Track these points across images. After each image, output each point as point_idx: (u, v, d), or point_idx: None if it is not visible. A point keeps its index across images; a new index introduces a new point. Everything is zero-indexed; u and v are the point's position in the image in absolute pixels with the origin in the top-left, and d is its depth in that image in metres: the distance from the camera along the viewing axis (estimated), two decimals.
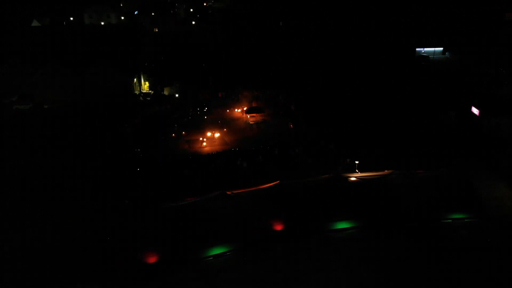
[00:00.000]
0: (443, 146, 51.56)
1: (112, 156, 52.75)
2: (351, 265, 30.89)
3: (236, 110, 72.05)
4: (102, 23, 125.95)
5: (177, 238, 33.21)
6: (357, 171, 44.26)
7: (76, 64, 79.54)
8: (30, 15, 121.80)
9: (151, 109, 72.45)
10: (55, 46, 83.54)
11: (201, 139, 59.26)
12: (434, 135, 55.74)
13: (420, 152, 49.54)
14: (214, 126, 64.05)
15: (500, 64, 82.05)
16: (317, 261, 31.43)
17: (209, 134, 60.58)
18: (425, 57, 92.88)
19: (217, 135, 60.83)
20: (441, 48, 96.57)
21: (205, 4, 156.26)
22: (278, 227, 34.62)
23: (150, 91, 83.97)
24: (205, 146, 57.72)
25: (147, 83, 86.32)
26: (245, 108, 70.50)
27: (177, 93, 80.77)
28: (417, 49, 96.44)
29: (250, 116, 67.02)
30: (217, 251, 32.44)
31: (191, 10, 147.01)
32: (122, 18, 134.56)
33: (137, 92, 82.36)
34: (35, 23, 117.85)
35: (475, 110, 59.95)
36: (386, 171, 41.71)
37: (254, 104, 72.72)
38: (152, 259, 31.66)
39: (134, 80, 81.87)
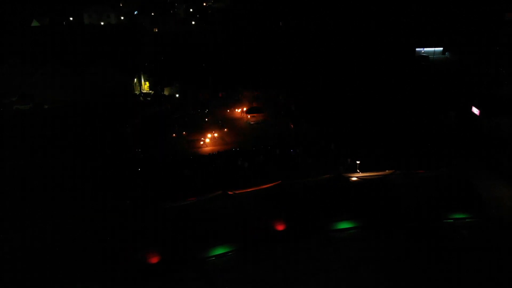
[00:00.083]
0: (443, 146, 51.60)
1: (112, 156, 52.71)
2: (352, 265, 30.84)
3: (236, 110, 72.03)
4: (102, 23, 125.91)
5: (179, 238, 33.13)
6: (358, 171, 44.24)
7: (76, 64, 79.54)
8: (30, 15, 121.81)
9: (151, 109, 72.41)
10: (55, 46, 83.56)
11: (201, 139, 59.23)
12: (434, 135, 55.76)
13: (420, 152, 49.58)
14: (215, 126, 64.04)
15: (500, 64, 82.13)
16: (319, 261, 31.38)
17: (209, 134, 60.56)
18: (425, 57, 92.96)
19: (217, 135, 60.81)
20: (441, 48, 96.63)
21: (204, 4, 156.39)
22: (280, 227, 34.55)
23: (150, 91, 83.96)
24: (206, 146, 57.70)
25: (147, 83, 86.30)
26: (245, 108, 70.48)
27: (177, 93, 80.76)
28: (417, 49, 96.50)
29: (251, 116, 67.01)
30: (218, 251, 32.38)
31: (191, 10, 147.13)
32: (122, 18, 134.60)
33: (137, 92, 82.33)
34: (35, 23, 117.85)
35: (475, 110, 59.97)
36: (387, 171, 41.69)
37: (254, 104, 72.71)
38: (153, 259, 31.59)
39: (134, 80, 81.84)
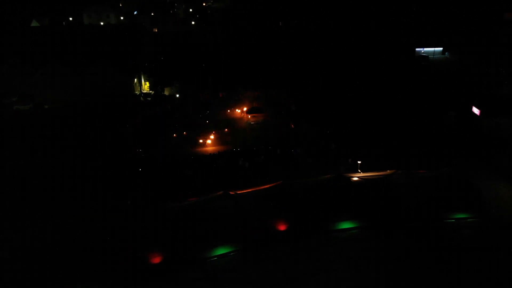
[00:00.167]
0: (443, 146, 51.58)
1: (112, 156, 52.66)
2: (354, 266, 30.85)
3: (236, 110, 72.00)
4: (102, 23, 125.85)
5: (181, 238, 33.16)
6: (359, 171, 44.21)
7: (76, 64, 79.49)
8: (30, 15, 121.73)
9: (151, 109, 72.35)
10: (55, 46, 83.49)
11: (202, 139, 59.19)
12: (434, 135, 55.74)
13: (421, 152, 49.55)
14: (215, 126, 63.98)
15: (500, 64, 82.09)
16: (320, 261, 31.41)
17: (210, 134, 60.52)
18: (425, 57, 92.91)
19: (217, 135, 60.76)
20: (441, 48, 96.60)
21: (204, 4, 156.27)
22: (282, 227, 34.57)
23: (150, 91, 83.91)
24: (206, 146, 57.65)
25: (147, 83, 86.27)
26: (245, 108, 70.45)
27: (177, 93, 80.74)
28: (417, 49, 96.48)
29: (251, 116, 66.97)
30: (221, 251, 32.43)
31: (191, 10, 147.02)
32: (122, 18, 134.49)
33: (137, 92, 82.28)
34: (34, 23, 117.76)
35: (475, 110, 59.98)
36: (388, 171, 41.68)
37: (255, 104, 72.66)
38: (155, 259, 31.61)
39: (134, 80, 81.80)
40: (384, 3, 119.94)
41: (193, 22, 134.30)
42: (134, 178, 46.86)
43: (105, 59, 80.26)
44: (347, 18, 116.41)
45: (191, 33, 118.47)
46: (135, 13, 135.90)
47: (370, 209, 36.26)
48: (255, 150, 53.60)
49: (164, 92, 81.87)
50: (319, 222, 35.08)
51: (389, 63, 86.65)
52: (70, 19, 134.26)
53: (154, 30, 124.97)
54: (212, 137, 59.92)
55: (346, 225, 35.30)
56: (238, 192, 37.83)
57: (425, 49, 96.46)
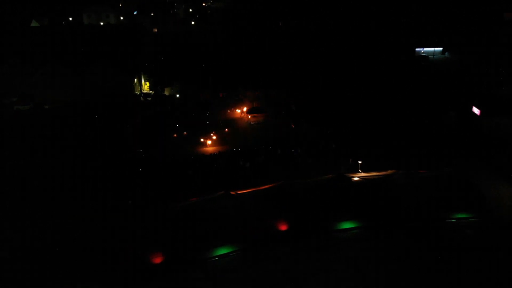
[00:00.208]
0: (443, 146, 51.60)
1: (112, 156, 52.65)
2: (355, 266, 30.83)
3: (237, 110, 71.99)
4: (102, 23, 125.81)
5: (182, 238, 33.14)
6: (360, 171, 44.21)
7: (76, 64, 79.50)
8: (30, 15, 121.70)
9: (151, 110, 72.35)
10: (54, 46, 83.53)
11: (202, 139, 59.17)
12: (435, 135, 55.76)
13: (421, 152, 49.58)
14: (215, 126, 63.96)
15: (500, 64, 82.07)
16: (321, 261, 31.39)
17: (210, 134, 60.49)
18: (425, 57, 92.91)
19: (218, 135, 60.73)
20: (441, 48, 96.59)
21: (204, 4, 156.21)
22: (282, 227, 34.54)
23: (150, 91, 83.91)
24: (207, 146, 57.64)
25: (147, 83, 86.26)
26: (246, 108, 70.44)
27: (177, 93, 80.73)
28: (417, 49, 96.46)
29: (251, 116, 66.97)
30: (222, 251, 32.41)
31: (190, 10, 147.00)
32: (122, 18, 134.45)
33: (137, 92, 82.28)
34: (34, 23, 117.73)
35: (475, 110, 59.99)
36: (388, 171, 41.66)
37: (255, 104, 72.66)
38: (156, 259, 31.59)
39: (134, 80, 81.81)
40: (384, 3, 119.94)
41: (193, 22, 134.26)
42: (134, 178, 46.89)
43: (105, 59, 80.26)
44: (347, 18, 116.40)
45: (191, 33, 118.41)
46: (135, 13, 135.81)
47: (371, 209, 36.23)
48: (255, 150, 53.59)
49: (164, 92, 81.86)
50: (319, 222, 35.05)
51: (389, 63, 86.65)
52: (70, 19, 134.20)
53: (154, 30, 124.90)
54: (212, 137, 59.90)
55: (346, 225, 35.27)
56: (239, 192, 37.83)
57: (425, 49, 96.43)
